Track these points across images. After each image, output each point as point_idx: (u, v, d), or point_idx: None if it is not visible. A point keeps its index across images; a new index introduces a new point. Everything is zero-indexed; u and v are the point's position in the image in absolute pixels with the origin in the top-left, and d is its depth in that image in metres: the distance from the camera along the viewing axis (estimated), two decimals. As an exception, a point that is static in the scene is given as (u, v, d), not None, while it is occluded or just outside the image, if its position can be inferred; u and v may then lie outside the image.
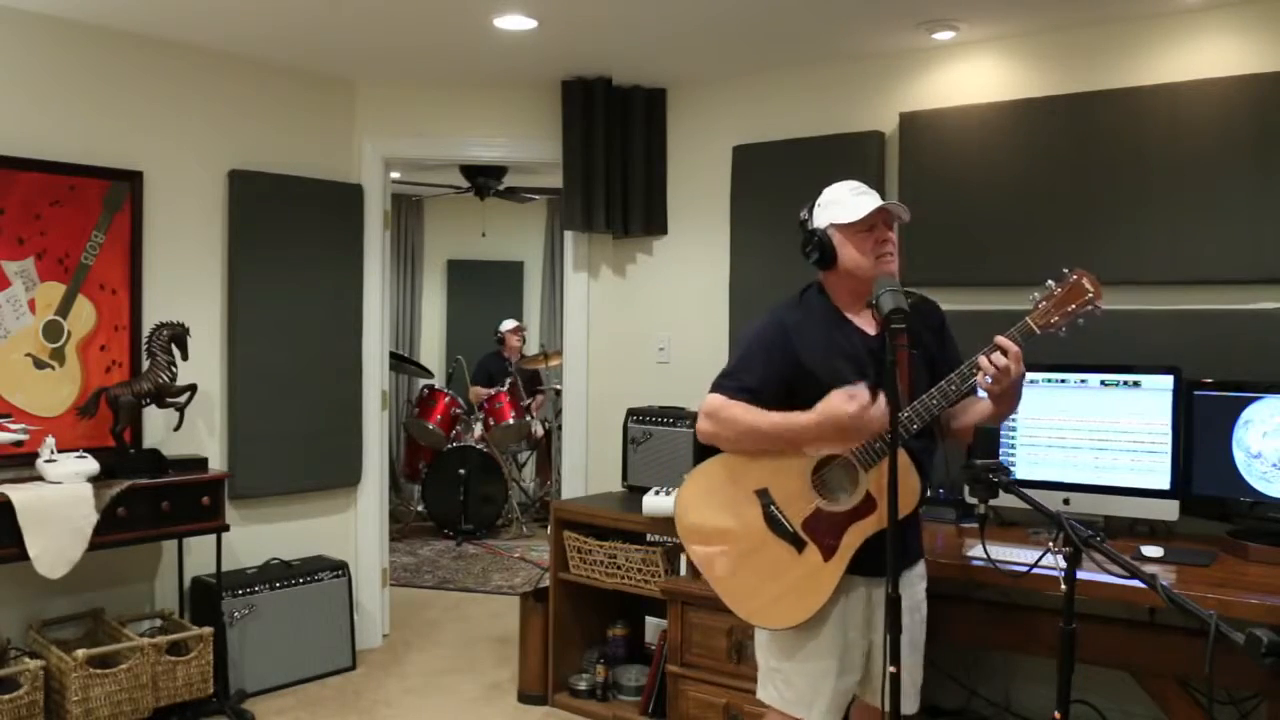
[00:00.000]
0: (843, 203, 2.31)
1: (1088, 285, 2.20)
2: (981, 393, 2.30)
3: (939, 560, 2.79)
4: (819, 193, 2.38)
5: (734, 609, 2.36)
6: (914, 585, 2.43)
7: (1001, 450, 3.31)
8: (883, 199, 2.30)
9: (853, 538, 2.27)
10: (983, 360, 2.20)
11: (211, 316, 4.13)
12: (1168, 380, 3.07)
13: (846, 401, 2.16)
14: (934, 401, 2.22)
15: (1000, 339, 2.20)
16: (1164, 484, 3.06)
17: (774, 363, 2.32)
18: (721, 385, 2.35)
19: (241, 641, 3.95)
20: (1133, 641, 2.81)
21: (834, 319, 2.36)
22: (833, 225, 2.31)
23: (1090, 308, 2.21)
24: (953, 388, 2.22)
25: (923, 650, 2.45)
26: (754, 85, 4.25)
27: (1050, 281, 2.24)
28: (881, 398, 2.13)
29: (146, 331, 3.76)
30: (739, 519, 2.35)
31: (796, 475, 2.31)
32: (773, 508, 2.33)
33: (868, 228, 2.28)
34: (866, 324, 2.34)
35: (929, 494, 3.14)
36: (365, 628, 4.60)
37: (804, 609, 2.29)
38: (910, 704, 2.38)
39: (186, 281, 4.05)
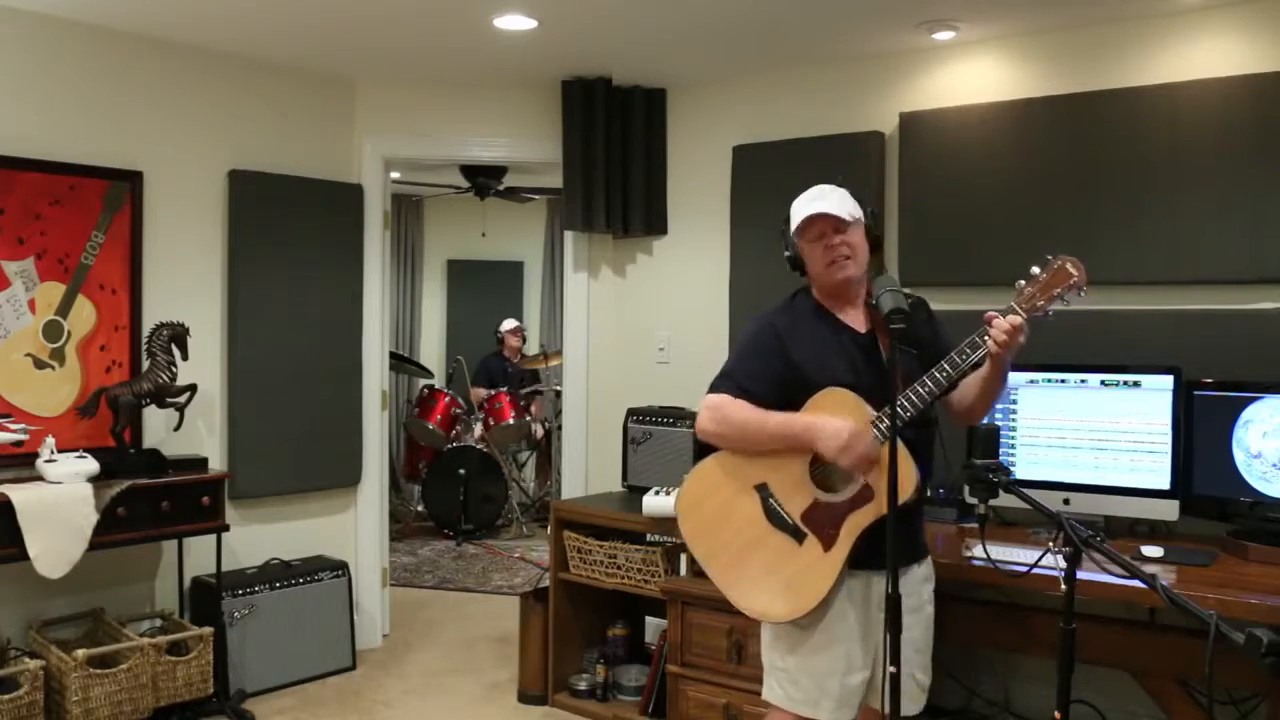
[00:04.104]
0: (796, 215, 2.38)
1: (1071, 269, 2.20)
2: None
3: (939, 560, 2.79)
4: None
5: (737, 604, 2.38)
6: (919, 585, 2.42)
7: (1001, 450, 3.30)
8: (870, 202, 2.37)
9: (852, 526, 2.29)
10: (993, 331, 2.19)
11: (211, 316, 4.13)
12: (1168, 380, 3.07)
13: (846, 427, 2.22)
14: (925, 389, 2.25)
15: (991, 314, 2.21)
16: (1164, 484, 3.06)
17: (769, 364, 2.38)
18: (721, 385, 2.41)
19: (241, 641, 3.95)
20: (1133, 641, 2.81)
21: (822, 318, 2.42)
22: (794, 236, 2.40)
23: (1074, 289, 2.20)
24: (942, 375, 2.24)
25: (928, 652, 2.44)
26: (754, 85, 4.25)
27: (1035, 269, 2.24)
28: (876, 443, 2.21)
29: (146, 331, 3.76)
30: (739, 514, 2.39)
31: (794, 469, 2.35)
32: (772, 500, 2.36)
33: (816, 237, 2.35)
34: (854, 321, 2.40)
35: (928, 490, 3.13)
36: (365, 628, 4.60)
37: (807, 600, 2.30)
38: (912, 705, 2.37)
39: (186, 281, 4.05)
